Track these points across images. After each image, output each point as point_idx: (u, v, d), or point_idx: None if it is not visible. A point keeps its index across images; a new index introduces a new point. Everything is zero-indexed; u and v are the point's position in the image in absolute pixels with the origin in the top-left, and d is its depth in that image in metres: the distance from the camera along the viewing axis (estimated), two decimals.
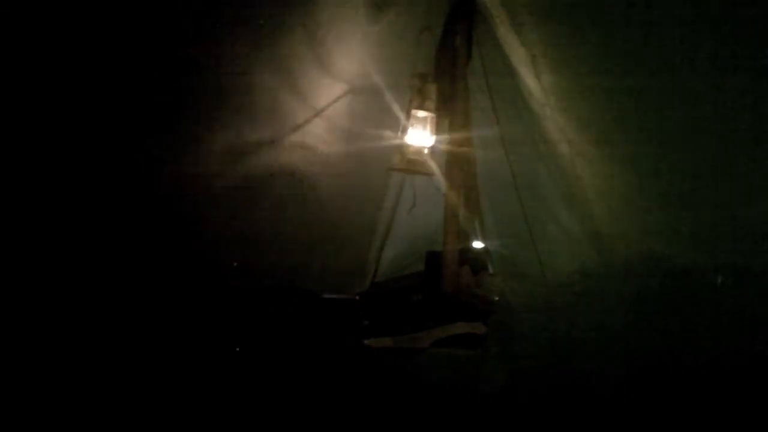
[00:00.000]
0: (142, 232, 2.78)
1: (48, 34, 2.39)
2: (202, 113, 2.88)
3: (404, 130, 3.40)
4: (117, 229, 2.73)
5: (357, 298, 3.78)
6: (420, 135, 3.38)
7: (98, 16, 2.46)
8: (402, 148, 3.41)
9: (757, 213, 1.89)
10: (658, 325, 2.07)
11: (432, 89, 3.35)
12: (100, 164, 2.66)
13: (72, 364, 2.57)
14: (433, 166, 3.44)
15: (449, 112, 3.44)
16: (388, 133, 3.51)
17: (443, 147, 3.54)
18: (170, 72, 2.71)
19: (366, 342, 3.10)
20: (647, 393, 1.94)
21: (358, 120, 3.48)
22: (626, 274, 2.71)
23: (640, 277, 2.57)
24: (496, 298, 3.61)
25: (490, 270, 4.04)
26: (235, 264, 3.01)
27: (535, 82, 3.21)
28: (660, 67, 2.08)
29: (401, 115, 3.49)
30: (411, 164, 3.42)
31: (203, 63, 2.79)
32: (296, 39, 3.03)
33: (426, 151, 3.41)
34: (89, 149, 2.62)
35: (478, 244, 4.17)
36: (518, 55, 3.23)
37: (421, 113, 3.36)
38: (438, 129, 3.44)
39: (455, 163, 3.52)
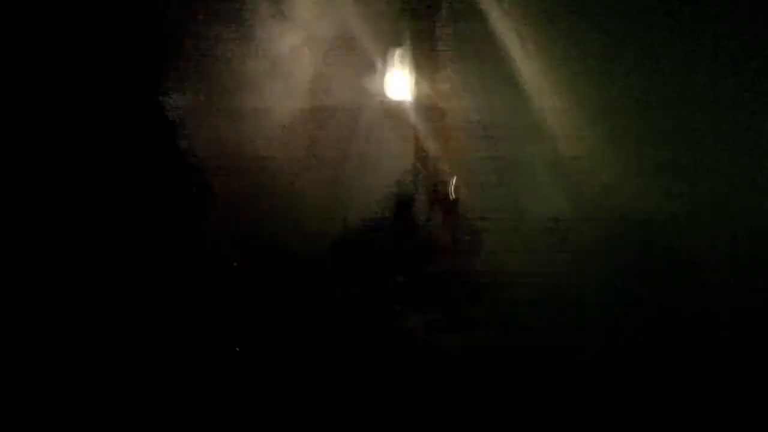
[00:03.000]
0: (141, 234, 2.69)
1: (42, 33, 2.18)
2: None
3: (384, 81, 3.43)
4: (117, 231, 2.64)
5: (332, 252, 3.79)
6: (399, 84, 3.43)
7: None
8: (383, 99, 3.46)
9: (757, 211, 1.98)
10: (658, 324, 2.20)
11: (407, 40, 3.36)
12: (98, 165, 2.53)
13: (72, 364, 2.56)
14: (412, 115, 3.46)
15: (419, 60, 3.37)
16: (357, 84, 3.43)
17: (413, 97, 3.51)
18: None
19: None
20: (646, 392, 2.08)
21: (323, 73, 3.35)
22: (601, 221, 2.84)
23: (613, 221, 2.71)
24: (469, 239, 3.72)
25: (462, 217, 4.11)
26: (234, 264, 2.95)
27: (503, 26, 3.14)
28: (660, 67, 2.07)
29: (370, 67, 3.41)
30: (389, 114, 3.43)
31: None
32: None
33: (407, 100, 3.46)
34: (85, 151, 2.48)
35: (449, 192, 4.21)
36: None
37: (400, 63, 3.40)
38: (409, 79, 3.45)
39: (427, 112, 3.51)
